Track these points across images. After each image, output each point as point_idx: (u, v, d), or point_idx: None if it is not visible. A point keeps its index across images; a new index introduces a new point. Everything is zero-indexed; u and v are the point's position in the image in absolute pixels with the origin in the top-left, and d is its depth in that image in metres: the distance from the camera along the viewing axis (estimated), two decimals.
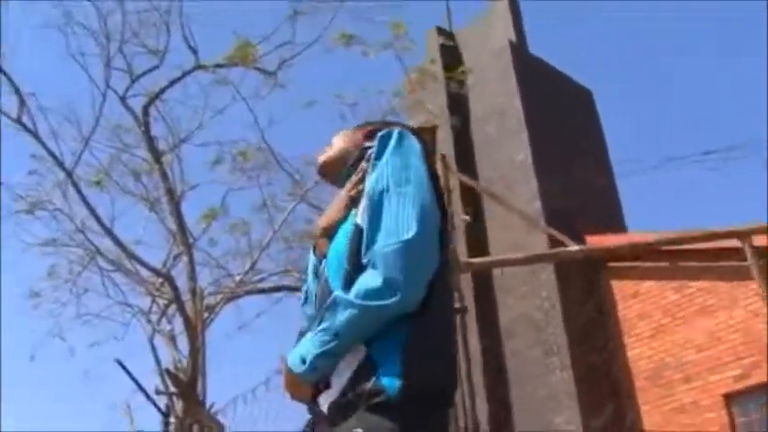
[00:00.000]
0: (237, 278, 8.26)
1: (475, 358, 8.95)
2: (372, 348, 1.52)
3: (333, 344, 1.53)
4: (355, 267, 1.58)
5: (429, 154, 1.95)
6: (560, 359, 9.77)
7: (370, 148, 1.77)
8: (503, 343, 10.35)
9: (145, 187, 8.72)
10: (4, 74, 7.96)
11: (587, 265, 10.37)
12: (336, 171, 1.91)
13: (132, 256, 8.04)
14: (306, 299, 1.91)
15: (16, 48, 8.15)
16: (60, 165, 7.90)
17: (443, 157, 2.58)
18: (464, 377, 2.39)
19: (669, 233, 9.69)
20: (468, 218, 8.44)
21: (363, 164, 1.76)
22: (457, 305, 2.32)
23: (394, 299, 1.49)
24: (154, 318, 8.70)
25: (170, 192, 8.01)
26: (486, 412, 9.20)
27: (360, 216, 1.64)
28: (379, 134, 1.72)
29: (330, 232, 1.76)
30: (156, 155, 8.12)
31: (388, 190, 1.59)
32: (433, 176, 1.67)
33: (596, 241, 10.38)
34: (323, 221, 1.79)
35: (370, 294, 1.50)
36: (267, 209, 8.46)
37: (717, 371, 8.94)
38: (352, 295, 1.52)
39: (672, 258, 9.54)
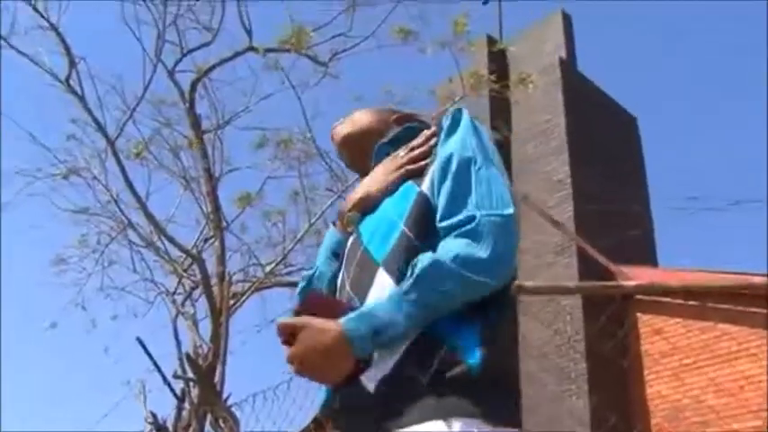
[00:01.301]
0: (267, 268, 8.13)
1: None
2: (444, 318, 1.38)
3: (418, 320, 1.34)
4: (420, 234, 1.48)
5: None
6: (577, 386, 9.64)
7: (403, 130, 1.77)
8: (519, 365, 10.20)
9: (183, 165, 8.66)
10: (58, 33, 7.91)
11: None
12: (359, 145, 1.83)
13: (164, 234, 7.97)
14: (308, 284, 1.78)
15: (68, 7, 8.05)
16: (103, 132, 7.84)
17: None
18: None
19: (701, 272, 9.55)
20: None
21: (419, 141, 1.67)
22: None
23: (496, 279, 1.39)
24: (179, 299, 8.60)
25: (208, 171, 7.93)
26: None
27: (426, 185, 1.55)
28: (452, 110, 1.66)
29: (367, 205, 1.66)
30: (199, 132, 8.05)
31: (475, 162, 1.52)
32: None
33: (625, 273, 10.23)
34: (360, 194, 1.69)
35: (472, 265, 1.36)
36: (305, 200, 8.35)
37: (737, 419, 8.76)
38: (447, 260, 1.36)
39: (701, 298, 9.36)
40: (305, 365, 1.35)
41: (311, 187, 8.58)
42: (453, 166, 1.52)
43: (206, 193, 7.99)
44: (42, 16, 7.86)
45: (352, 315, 1.36)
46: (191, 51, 8.29)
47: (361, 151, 1.82)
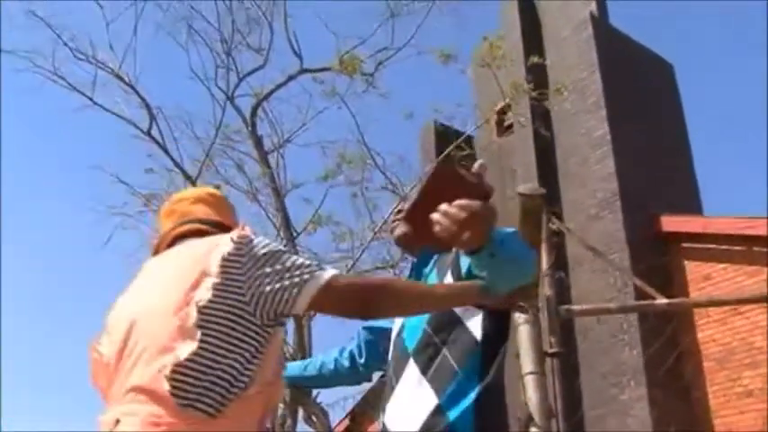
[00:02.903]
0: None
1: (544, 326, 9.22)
2: (443, 400, 1.86)
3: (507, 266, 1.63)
4: (437, 330, 1.98)
5: (537, 213, 2.30)
6: (630, 337, 9.98)
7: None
8: (574, 319, 10.59)
9: (249, 180, 9.16)
10: (137, 93, 8.66)
11: (661, 243, 10.52)
12: (414, 245, 2.20)
13: None
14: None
15: (143, 68, 8.86)
16: (184, 172, 8.69)
17: (551, 213, 2.92)
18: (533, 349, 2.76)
19: (746, 219, 9.77)
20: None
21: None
22: (553, 350, 2.67)
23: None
24: None
25: (275, 191, 8.49)
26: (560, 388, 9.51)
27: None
28: None
29: None
30: (262, 152, 8.61)
31: None
32: None
33: (672, 223, 10.50)
34: None
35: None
36: (364, 200, 8.83)
37: None
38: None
39: (748, 243, 9.60)
40: (476, 220, 1.52)
41: (369, 188, 9.04)
42: None
43: (276, 209, 8.51)
44: (125, 81, 8.67)
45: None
46: (246, 76, 8.81)
47: (414, 248, 2.25)
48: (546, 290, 2.87)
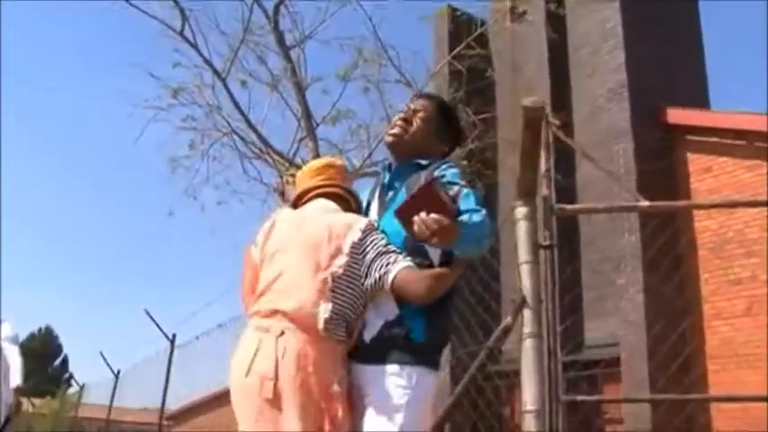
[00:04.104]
0: (357, 164, 8.99)
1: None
2: (403, 311, 2.39)
3: (471, 241, 2.32)
4: (411, 250, 2.44)
5: (538, 123, 2.67)
6: (629, 223, 10.37)
7: (444, 166, 2.54)
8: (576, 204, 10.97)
9: (271, 73, 9.43)
10: None
11: (665, 135, 10.77)
12: (407, 152, 2.63)
13: (267, 144, 8.92)
14: None
15: None
16: (216, 73, 9.11)
17: (548, 120, 3.26)
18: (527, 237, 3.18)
19: (750, 114, 9.97)
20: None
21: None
22: (546, 243, 3.08)
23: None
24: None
25: (297, 84, 8.80)
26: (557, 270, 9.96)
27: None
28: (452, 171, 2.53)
29: None
30: (287, 53, 8.90)
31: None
32: None
33: (677, 115, 10.72)
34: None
35: (489, 232, 2.38)
36: (382, 105, 9.11)
37: None
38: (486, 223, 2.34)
39: (749, 138, 9.84)
40: (443, 233, 2.15)
41: (382, 80, 9.29)
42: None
43: (297, 102, 8.88)
44: None
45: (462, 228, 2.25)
46: None
47: (405, 155, 2.67)
48: (543, 190, 3.22)
